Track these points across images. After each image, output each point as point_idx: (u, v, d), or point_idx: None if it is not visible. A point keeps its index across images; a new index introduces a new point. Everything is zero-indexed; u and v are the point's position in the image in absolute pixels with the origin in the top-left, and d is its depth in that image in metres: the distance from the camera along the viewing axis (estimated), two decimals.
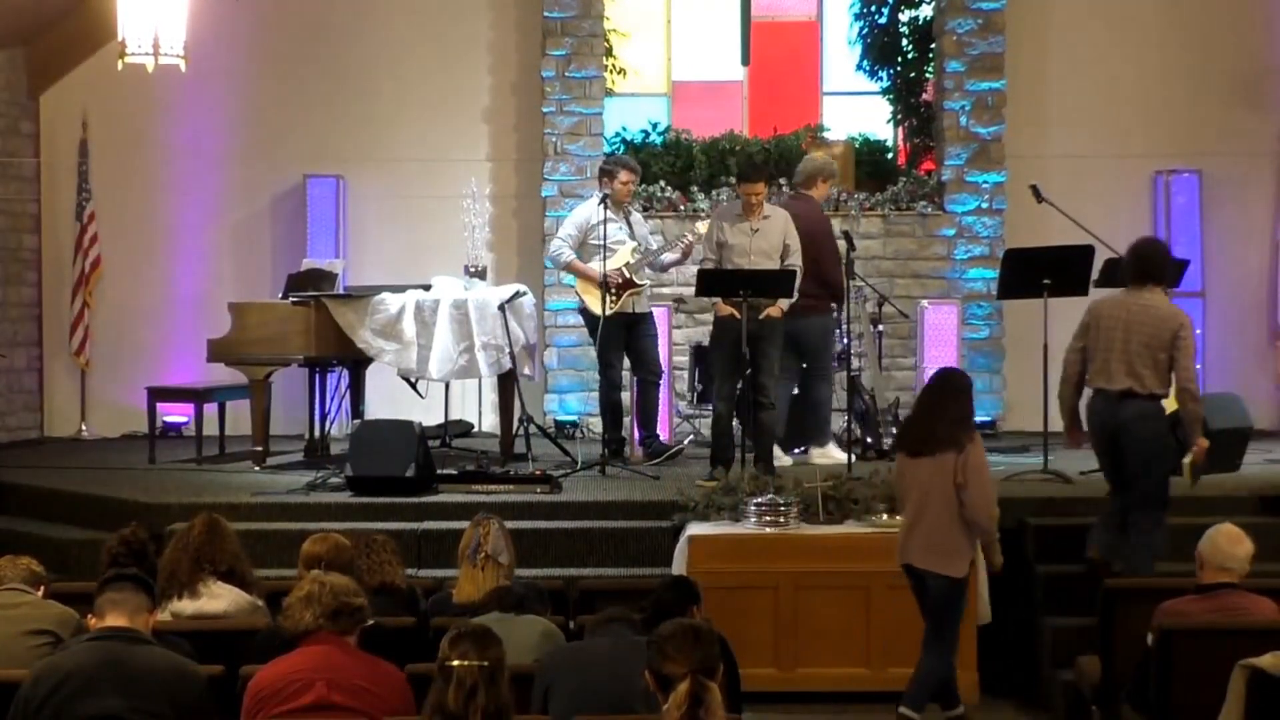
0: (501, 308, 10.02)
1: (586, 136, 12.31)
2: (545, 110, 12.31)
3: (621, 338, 10.29)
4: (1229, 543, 6.11)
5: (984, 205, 12.23)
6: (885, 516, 8.06)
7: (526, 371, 10.39)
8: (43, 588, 5.90)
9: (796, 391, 10.13)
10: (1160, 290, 7.71)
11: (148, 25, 9.23)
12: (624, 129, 12.78)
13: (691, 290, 9.83)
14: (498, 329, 10.03)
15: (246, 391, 10.21)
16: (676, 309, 11.59)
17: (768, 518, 8.03)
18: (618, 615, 5.46)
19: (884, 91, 13.06)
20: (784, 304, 9.28)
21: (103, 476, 10.04)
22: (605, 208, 10.07)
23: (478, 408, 11.96)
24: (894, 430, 10.31)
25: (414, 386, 10.64)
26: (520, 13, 12.55)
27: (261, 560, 7.76)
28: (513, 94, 12.60)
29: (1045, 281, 9.27)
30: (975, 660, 7.69)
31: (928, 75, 12.91)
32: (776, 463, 9.45)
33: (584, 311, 10.44)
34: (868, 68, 13.03)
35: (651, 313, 10.49)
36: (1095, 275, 9.62)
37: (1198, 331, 8.22)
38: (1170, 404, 7.72)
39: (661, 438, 10.50)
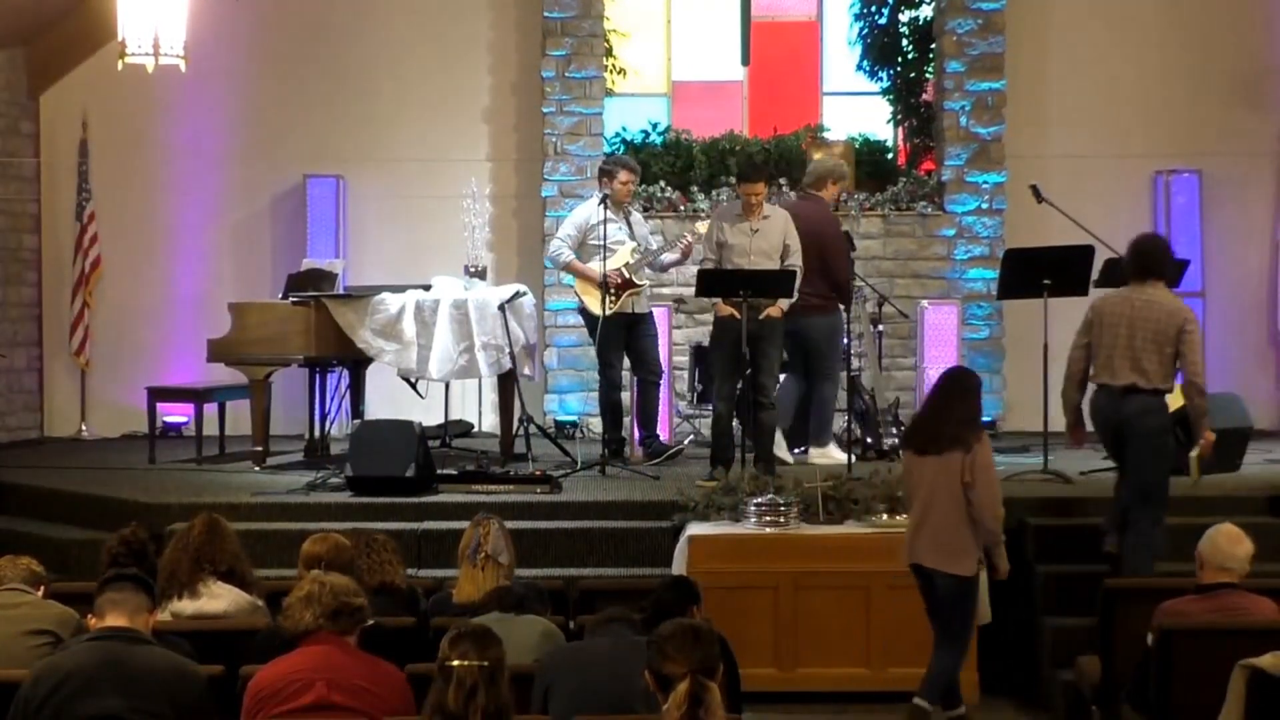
0: (501, 308, 10.02)
1: (586, 136, 12.32)
2: (545, 110, 12.31)
3: (621, 338, 10.29)
4: (1229, 543, 6.11)
5: (984, 205, 12.23)
6: (885, 516, 8.06)
7: (526, 371, 10.39)
8: (43, 588, 5.90)
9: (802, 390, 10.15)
10: (1163, 286, 7.71)
11: (148, 25, 9.23)
12: (624, 129, 12.78)
13: (691, 290, 9.83)
14: (498, 329, 10.03)
15: (246, 391, 10.21)
16: (676, 309, 11.59)
17: (768, 518, 8.03)
18: (618, 615, 5.46)
19: (884, 91, 13.05)
20: (784, 304, 9.29)
21: (103, 476, 10.04)
22: (605, 208, 10.07)
23: (478, 408, 11.96)
24: (894, 430, 10.34)
25: (414, 386, 10.64)
26: (520, 13, 12.55)
27: (261, 560, 7.76)
28: (513, 94, 12.61)
29: (1045, 282, 9.27)
30: (975, 660, 7.67)
31: (928, 75, 12.91)
32: (779, 453, 9.47)
33: (583, 311, 10.44)
34: (868, 68, 13.02)
35: (651, 313, 10.49)
36: (1095, 275, 9.62)
37: None
38: (1174, 400, 7.71)
39: (661, 438, 10.50)
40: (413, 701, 4.89)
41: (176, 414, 12.15)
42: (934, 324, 11.11)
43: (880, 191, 12.36)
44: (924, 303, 11.40)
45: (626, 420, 10.48)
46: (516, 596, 5.80)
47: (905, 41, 13.00)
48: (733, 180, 11.46)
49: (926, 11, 12.91)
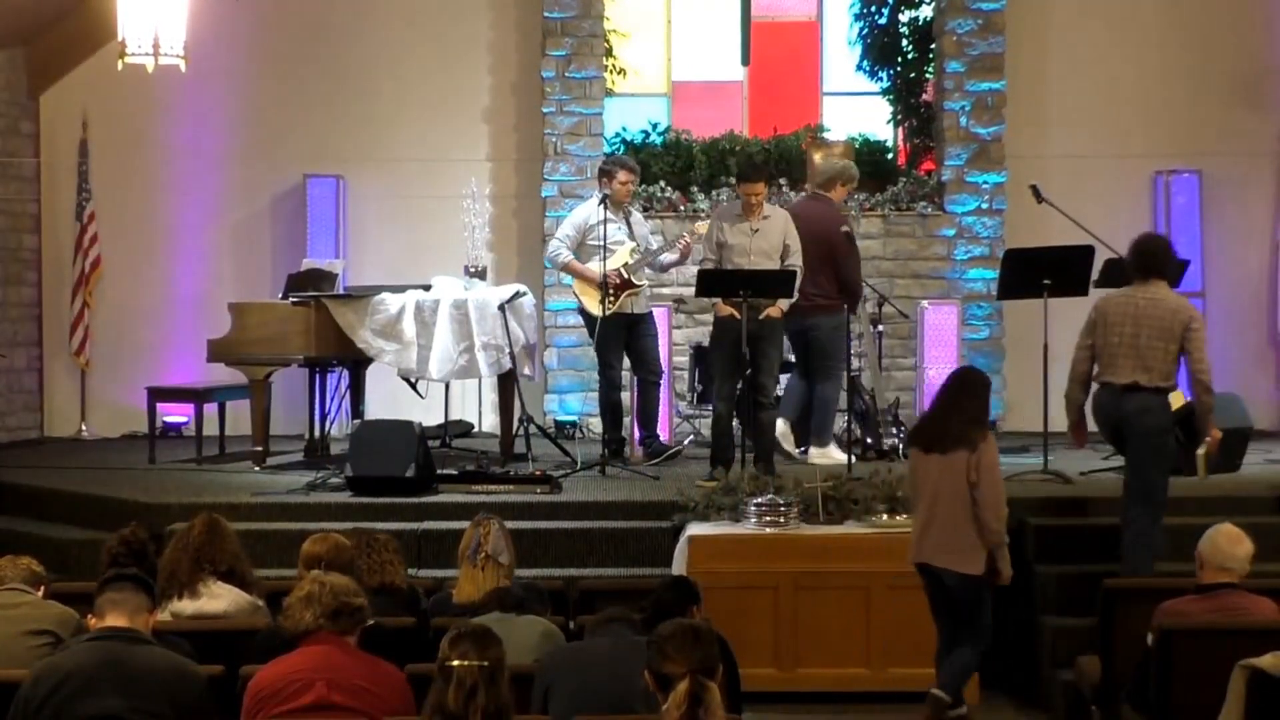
0: (501, 308, 10.02)
1: (586, 136, 12.32)
2: (545, 110, 12.32)
3: (621, 338, 10.29)
4: (1229, 543, 6.11)
5: (984, 205, 12.23)
6: (885, 517, 8.06)
7: (526, 371, 10.39)
8: (43, 588, 5.90)
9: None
10: (1165, 285, 7.71)
11: (148, 25, 9.22)
12: (624, 129, 12.79)
13: (691, 290, 9.83)
14: (498, 329, 10.03)
15: (246, 391, 10.21)
16: (676, 309, 11.59)
17: (768, 518, 8.03)
18: (618, 615, 5.46)
19: (884, 92, 13.05)
20: (784, 304, 9.29)
21: (103, 476, 10.04)
22: (605, 208, 10.07)
23: (478, 408, 11.96)
24: (894, 431, 10.34)
25: (414, 386, 10.64)
26: (520, 13, 12.55)
27: (261, 560, 7.75)
28: (513, 94, 12.61)
29: (1045, 282, 9.27)
30: None
31: (928, 75, 12.91)
32: (787, 447, 9.49)
33: (583, 312, 10.44)
34: (868, 68, 13.02)
35: (651, 313, 10.49)
36: (1095, 275, 9.63)
37: None
38: (1174, 400, 7.71)
39: (661, 438, 10.50)
40: (413, 701, 4.89)
41: (176, 414, 12.15)
42: (934, 324, 11.11)
43: (880, 191, 12.36)
44: (924, 303, 11.40)
45: (626, 420, 10.48)
46: (516, 597, 5.80)
47: (905, 41, 13.00)
48: (733, 180, 11.46)
49: (926, 11, 12.91)
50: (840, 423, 10.53)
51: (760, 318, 9.16)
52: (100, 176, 12.53)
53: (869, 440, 10.32)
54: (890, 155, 12.94)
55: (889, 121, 13.12)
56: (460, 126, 12.54)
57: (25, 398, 12.59)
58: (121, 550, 6.24)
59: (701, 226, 9.95)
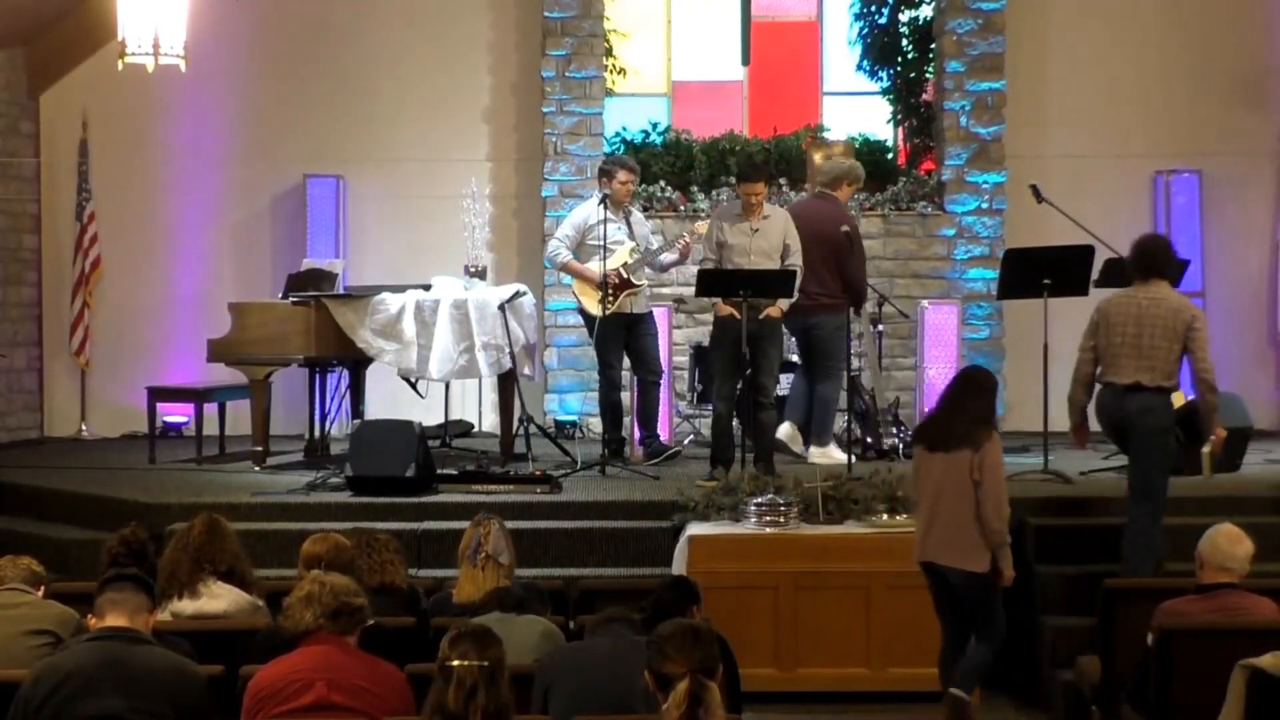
0: (501, 308, 10.02)
1: (586, 136, 12.32)
2: (545, 110, 12.32)
3: (621, 338, 10.29)
4: (1229, 543, 6.11)
5: (984, 205, 12.23)
6: (885, 516, 8.06)
7: (526, 371, 10.39)
8: (43, 588, 5.90)
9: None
10: (1166, 284, 7.71)
11: (148, 25, 9.23)
12: (624, 129, 12.79)
13: (691, 290, 9.83)
14: (498, 329, 10.03)
15: (246, 391, 10.21)
16: (676, 309, 11.59)
17: (768, 518, 8.03)
18: (618, 615, 5.46)
19: (884, 91, 13.06)
20: (784, 304, 9.29)
21: (103, 476, 10.04)
22: (605, 208, 10.07)
23: (478, 408, 11.96)
24: (894, 430, 10.34)
25: (414, 386, 10.64)
26: (520, 13, 12.55)
27: (261, 560, 7.76)
28: (513, 94, 12.61)
29: (1045, 282, 9.27)
30: None
31: (928, 75, 12.91)
32: (793, 446, 9.52)
33: (583, 311, 10.44)
34: (868, 68, 13.02)
35: (651, 312, 10.49)
36: (1095, 275, 9.62)
37: None
38: (1176, 400, 7.71)
39: (661, 438, 10.50)
40: (413, 701, 4.89)
41: (176, 414, 12.15)
42: (934, 324, 11.11)
43: (880, 191, 12.36)
44: (924, 303, 11.39)
45: (626, 420, 10.48)
46: (516, 597, 5.80)
47: (905, 41, 13.00)
48: (733, 180, 11.46)
49: (926, 11, 12.91)
50: (840, 423, 10.53)
51: (760, 317, 9.16)
52: (100, 176, 12.53)
53: (869, 440, 10.32)
54: (890, 155, 12.94)
55: (889, 121, 13.12)
56: (460, 126, 12.54)
57: (25, 398, 12.59)
58: (121, 550, 6.24)
59: (701, 226, 9.95)
